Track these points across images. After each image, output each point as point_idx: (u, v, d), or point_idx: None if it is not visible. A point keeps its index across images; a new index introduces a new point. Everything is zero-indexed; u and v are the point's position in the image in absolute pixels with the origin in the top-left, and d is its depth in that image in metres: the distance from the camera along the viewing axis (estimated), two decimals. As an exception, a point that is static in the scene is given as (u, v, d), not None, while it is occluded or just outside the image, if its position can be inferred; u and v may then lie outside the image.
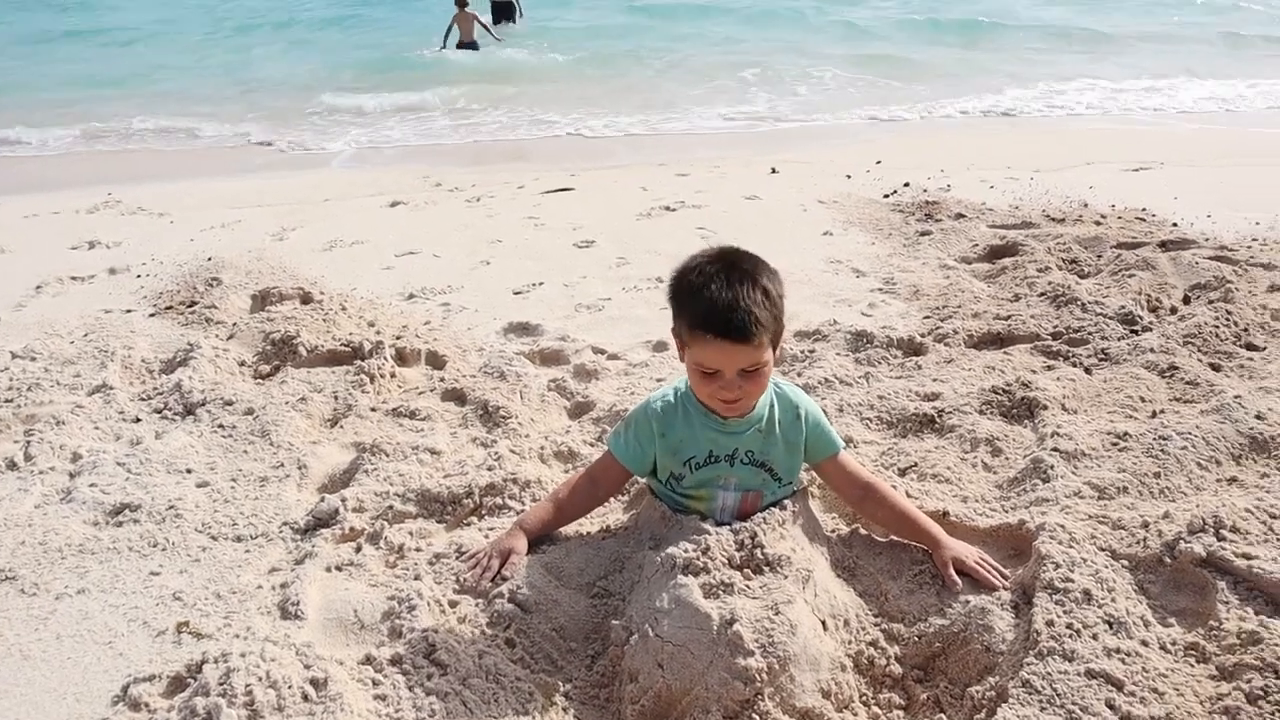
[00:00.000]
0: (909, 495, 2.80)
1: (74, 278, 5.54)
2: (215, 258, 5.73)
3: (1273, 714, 1.89)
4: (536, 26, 21.04)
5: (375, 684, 2.13)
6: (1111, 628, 2.18)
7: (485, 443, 3.35)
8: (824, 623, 2.25)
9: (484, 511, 2.91)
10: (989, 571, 2.45)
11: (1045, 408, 3.38)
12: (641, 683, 2.11)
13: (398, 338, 4.29)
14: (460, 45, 18.23)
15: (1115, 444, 3.05)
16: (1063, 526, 2.51)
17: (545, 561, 2.54)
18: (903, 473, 3.06)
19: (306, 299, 4.86)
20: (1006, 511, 2.77)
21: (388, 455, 3.23)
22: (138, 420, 3.62)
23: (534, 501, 2.88)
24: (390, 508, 2.89)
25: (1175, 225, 6.13)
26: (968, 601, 2.37)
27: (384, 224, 6.77)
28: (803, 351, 4.08)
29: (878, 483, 2.64)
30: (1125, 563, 2.42)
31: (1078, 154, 8.93)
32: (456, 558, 2.60)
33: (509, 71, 15.75)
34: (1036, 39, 19.10)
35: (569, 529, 2.74)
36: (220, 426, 3.52)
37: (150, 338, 4.44)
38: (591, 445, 3.32)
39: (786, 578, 2.26)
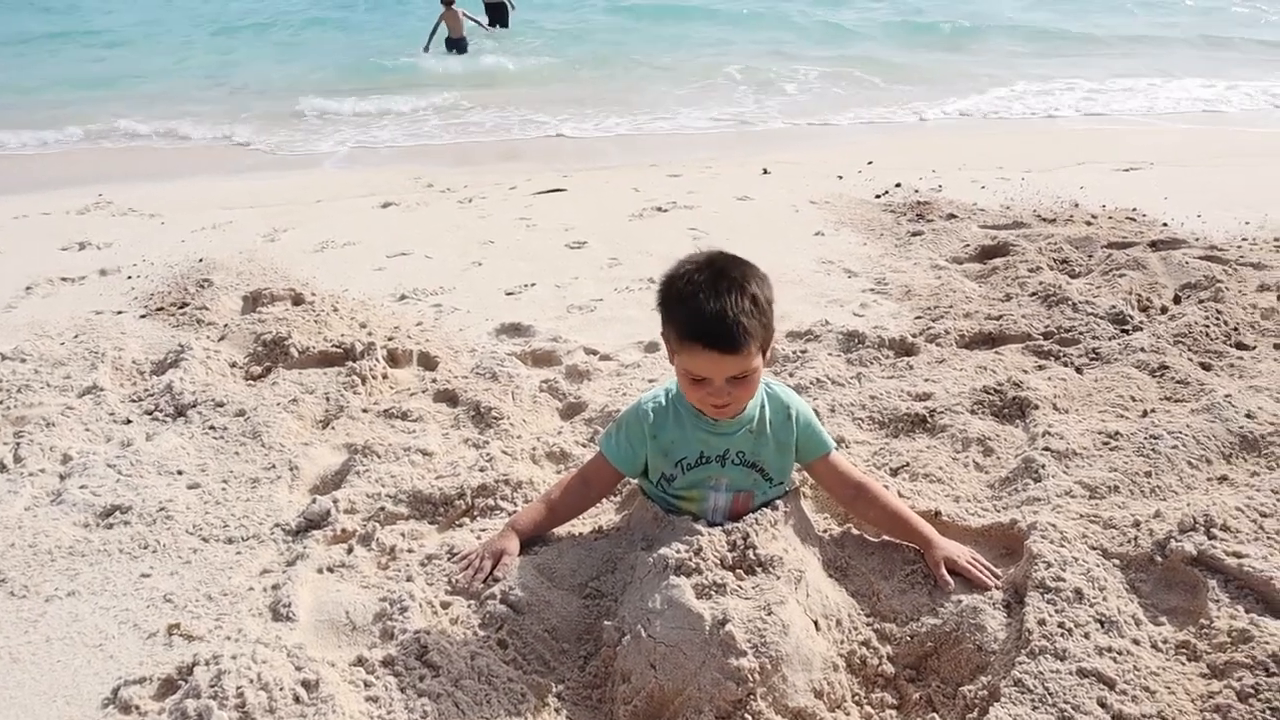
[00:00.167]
0: (901, 495, 2.80)
1: (64, 279, 5.52)
2: (206, 259, 5.72)
3: (1263, 711, 1.90)
4: (520, 25, 21.02)
5: (367, 685, 2.13)
6: (1103, 626, 2.18)
7: (477, 444, 3.34)
8: (816, 623, 2.25)
9: (476, 513, 2.91)
10: (981, 571, 2.46)
11: (1036, 407, 3.39)
12: (634, 683, 2.11)
13: (389, 339, 4.28)
14: (449, 42, 18.20)
15: (1106, 443, 3.06)
16: (1054, 526, 2.52)
17: (537, 562, 2.54)
18: (895, 473, 3.07)
19: (298, 300, 4.84)
20: (998, 511, 2.77)
21: (379, 456, 3.22)
22: (128, 422, 3.61)
23: (526, 503, 2.88)
24: (382, 509, 2.89)
25: (1165, 225, 6.14)
26: (960, 601, 2.37)
27: (376, 225, 6.75)
28: (795, 352, 4.08)
29: (869, 482, 2.64)
30: (1116, 561, 2.42)
31: (1068, 154, 8.95)
32: (448, 559, 2.59)
33: (496, 75, 15.73)
34: (1021, 41, 19.14)
35: (561, 530, 2.73)
36: (211, 428, 3.51)
37: (141, 339, 4.43)
38: (584, 446, 3.31)
39: (779, 578, 2.26)
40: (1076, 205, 6.78)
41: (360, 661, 2.20)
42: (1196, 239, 5.72)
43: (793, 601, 2.21)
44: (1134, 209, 6.59)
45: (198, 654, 2.22)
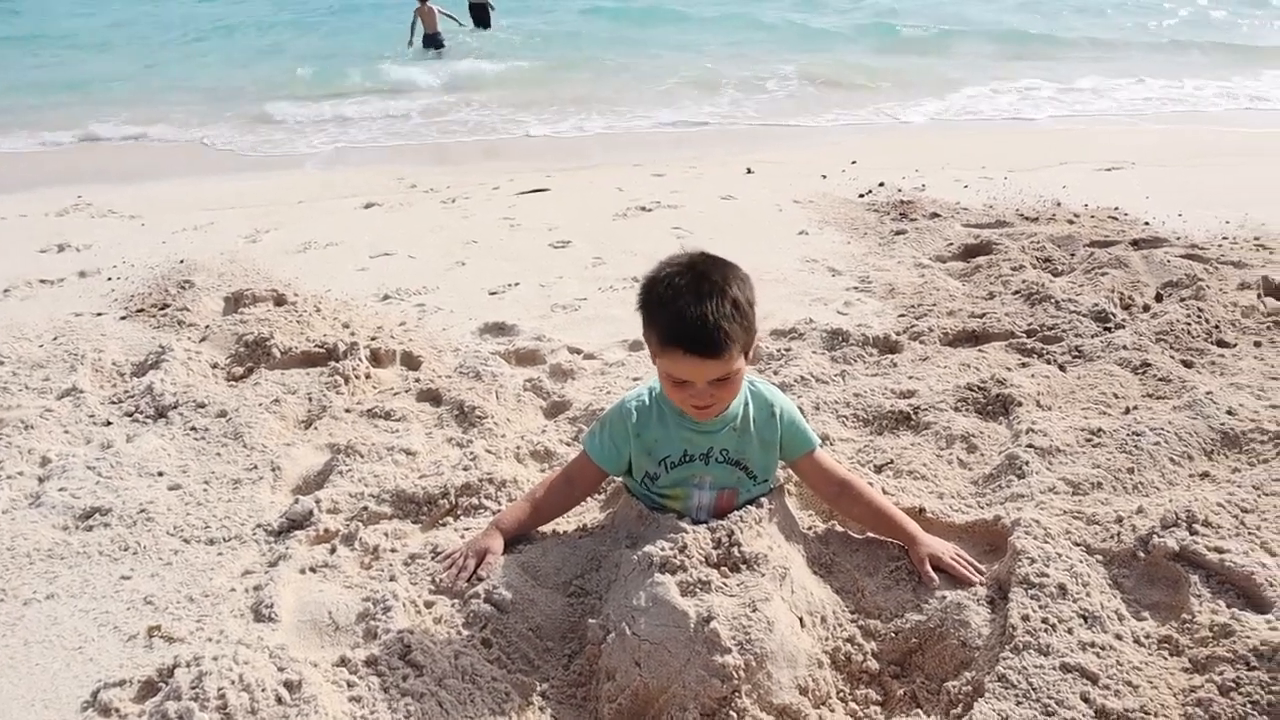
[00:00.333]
0: (885, 492, 2.80)
1: (43, 281, 5.47)
2: (187, 260, 5.68)
3: (1245, 705, 1.91)
4: (501, 25, 21.02)
5: (350, 686, 2.11)
6: (1086, 622, 2.19)
7: (461, 443, 3.33)
8: (801, 620, 2.25)
9: (460, 512, 2.90)
10: (965, 567, 2.46)
11: (1020, 404, 3.40)
12: (619, 681, 2.10)
13: (372, 339, 4.26)
14: (427, 39, 18.18)
15: (1089, 440, 3.07)
16: (1038, 522, 2.52)
17: (521, 561, 2.53)
18: (879, 469, 3.07)
19: (280, 301, 4.82)
20: (982, 507, 2.78)
21: (362, 456, 3.20)
22: (108, 423, 3.58)
23: (510, 501, 2.87)
24: (365, 509, 2.87)
25: (1147, 224, 6.18)
26: (944, 597, 2.37)
27: (358, 225, 6.73)
28: (779, 350, 4.08)
29: (854, 479, 2.64)
30: (1099, 557, 2.43)
31: (1050, 154, 8.99)
32: (432, 558, 2.58)
33: (476, 76, 15.70)
34: (996, 43, 19.24)
35: (545, 528, 2.73)
36: (193, 429, 3.49)
37: (121, 340, 4.39)
38: (568, 445, 3.31)
39: (763, 575, 2.25)
40: (1059, 204, 6.81)
41: (343, 662, 2.18)
42: (1178, 238, 5.75)
43: (777, 598, 2.21)
44: (1116, 208, 6.63)
45: (179, 656, 2.20)
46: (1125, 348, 3.84)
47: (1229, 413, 3.13)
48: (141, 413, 3.63)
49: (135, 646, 2.39)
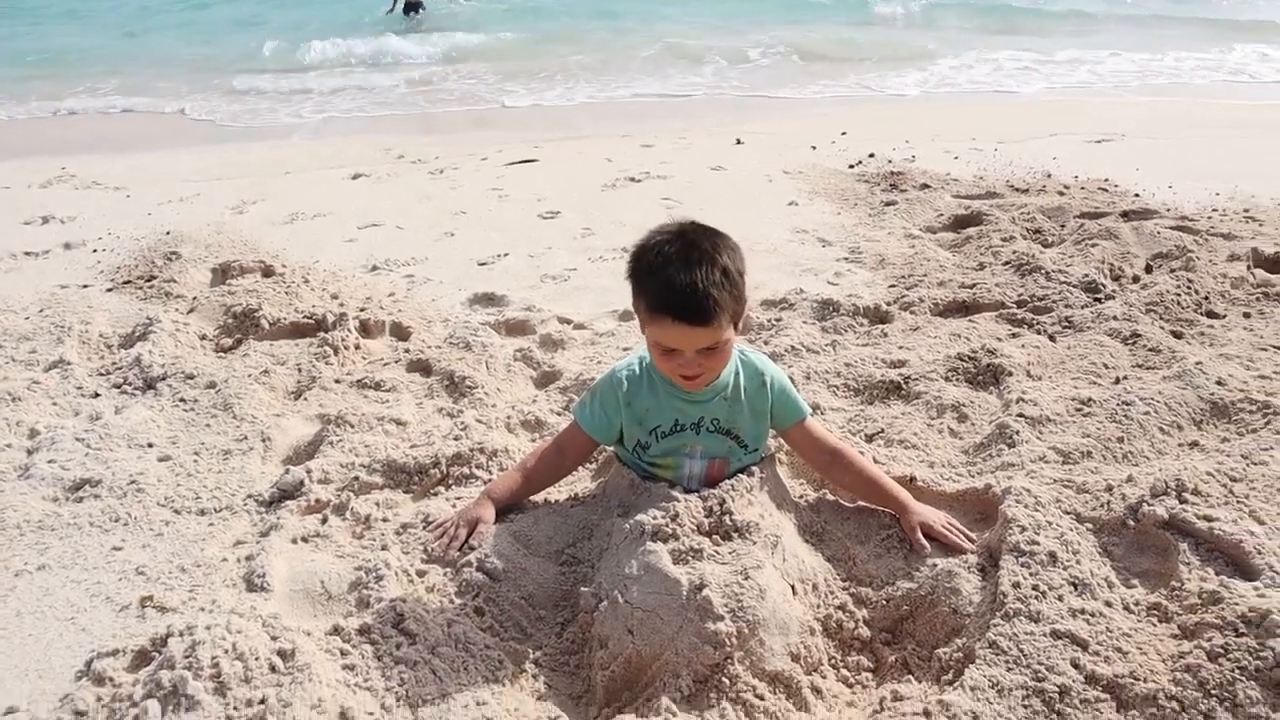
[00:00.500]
0: (876, 461, 2.81)
1: (28, 253, 5.42)
2: (174, 231, 5.63)
3: (1233, 671, 1.92)
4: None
5: (344, 654, 2.11)
6: (1076, 589, 2.20)
7: (451, 413, 3.32)
8: (793, 587, 2.26)
9: (451, 481, 2.89)
10: (956, 535, 2.47)
11: (1010, 374, 3.41)
12: (611, 649, 2.11)
13: (361, 309, 4.24)
14: (407, 5, 18.00)
15: (1079, 409, 3.08)
16: (1028, 490, 2.53)
17: (513, 530, 2.53)
18: (870, 439, 3.08)
19: (268, 272, 4.79)
20: (973, 476, 2.79)
21: (353, 426, 3.20)
22: (96, 395, 3.56)
23: (501, 471, 2.86)
24: (356, 479, 2.86)
25: (1137, 196, 6.19)
26: (935, 565, 2.38)
27: (346, 196, 6.68)
28: (769, 320, 4.08)
29: (845, 448, 2.65)
30: (1089, 526, 2.44)
31: (1041, 126, 8.98)
32: (424, 528, 2.58)
33: (460, 47, 15.57)
34: (981, 17, 19.18)
35: (537, 497, 2.72)
36: (182, 400, 3.47)
37: (108, 312, 4.36)
38: (558, 414, 3.30)
39: (755, 543, 2.26)
40: (1049, 176, 6.81)
41: (336, 630, 2.18)
42: (1168, 209, 5.76)
43: (769, 566, 2.22)
44: (1106, 180, 6.63)
45: (172, 625, 2.19)
46: (1115, 318, 3.84)
47: (1218, 383, 3.14)
48: (130, 384, 3.61)
49: (128, 616, 2.38)
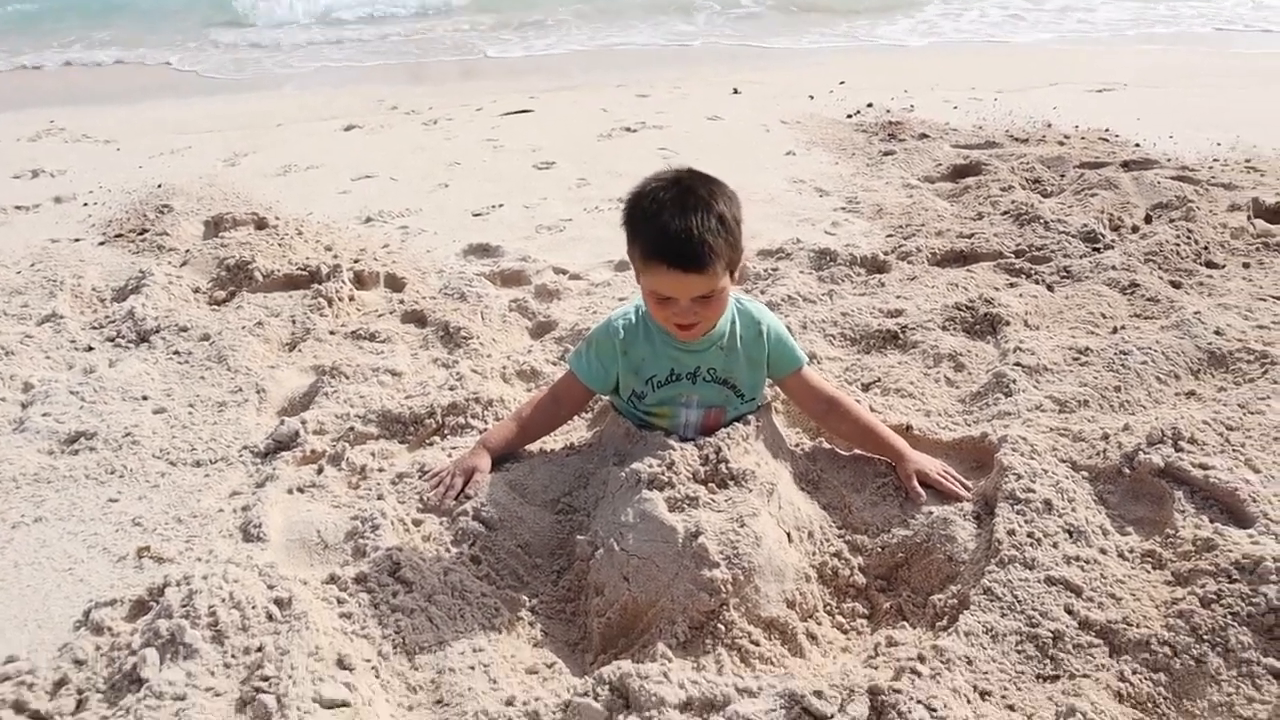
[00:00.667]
0: (873, 410, 2.80)
1: (18, 207, 5.39)
2: (165, 184, 5.59)
3: (1225, 616, 1.93)
4: None
5: (340, 602, 2.12)
6: (1071, 536, 2.21)
7: (446, 363, 3.31)
8: (788, 535, 2.26)
9: (446, 431, 2.89)
10: (952, 483, 2.47)
11: (1008, 324, 3.40)
12: (607, 596, 2.11)
13: (356, 261, 4.22)
14: None
15: (1076, 359, 3.07)
16: (1024, 439, 2.53)
17: (509, 479, 2.53)
18: (866, 388, 3.07)
19: (261, 224, 4.76)
20: (969, 425, 2.79)
21: (348, 377, 3.19)
22: (90, 349, 3.55)
23: (497, 420, 2.86)
24: (351, 429, 2.86)
25: (1138, 145, 6.13)
26: (930, 512, 2.39)
27: (339, 148, 6.63)
28: (766, 269, 4.06)
29: (842, 397, 2.64)
30: (1085, 474, 2.44)
31: (1041, 75, 8.87)
32: (419, 477, 2.58)
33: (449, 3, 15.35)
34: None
35: (532, 446, 2.72)
36: (176, 353, 3.46)
37: (100, 266, 4.33)
38: (554, 364, 3.29)
39: (751, 491, 2.26)
40: (1049, 125, 6.75)
41: (333, 579, 2.19)
42: (1168, 159, 5.71)
43: (765, 514, 2.22)
44: (1106, 129, 6.57)
45: (169, 575, 2.19)
46: (1114, 268, 3.82)
47: (1216, 333, 3.13)
48: (123, 337, 3.60)
49: (125, 567, 2.39)
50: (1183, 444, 2.42)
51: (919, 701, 1.74)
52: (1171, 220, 4.40)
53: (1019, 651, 1.94)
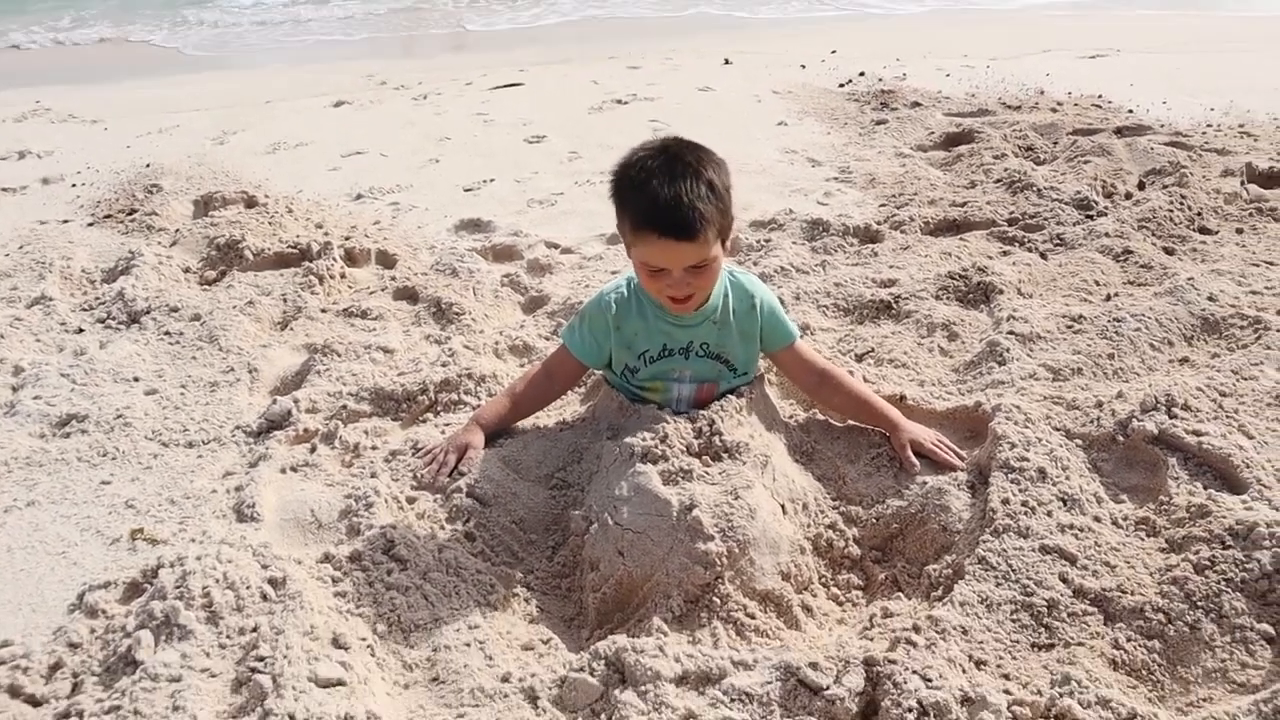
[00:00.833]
0: (866, 380, 2.80)
1: (5, 189, 5.34)
2: (154, 164, 5.54)
3: (1218, 582, 1.93)
4: None
5: (335, 581, 2.12)
6: (1065, 505, 2.21)
7: (439, 339, 3.30)
8: (783, 507, 2.26)
9: (439, 408, 2.88)
10: (946, 452, 2.47)
11: (1001, 292, 3.39)
12: (603, 571, 2.11)
13: (346, 238, 4.19)
14: None
15: (1070, 326, 3.07)
16: (1018, 407, 2.53)
17: (503, 455, 2.52)
18: (860, 358, 3.07)
19: (251, 203, 4.72)
20: (963, 394, 2.78)
21: (340, 355, 3.17)
22: (80, 331, 3.53)
23: (489, 396, 2.85)
24: (344, 407, 2.85)
25: (1131, 112, 6.11)
26: (925, 483, 2.38)
27: (328, 124, 6.58)
28: (759, 241, 4.04)
29: (834, 369, 2.63)
30: (1079, 442, 2.44)
31: (1034, 42, 8.84)
32: (413, 454, 2.57)
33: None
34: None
35: (526, 422, 2.71)
36: (167, 334, 3.44)
37: (89, 247, 4.30)
38: (546, 339, 3.28)
39: (745, 463, 2.26)
40: (1042, 92, 6.72)
41: (327, 558, 2.19)
42: (1162, 125, 5.70)
43: (759, 486, 2.22)
44: (1099, 96, 6.55)
45: (162, 557, 2.19)
46: (1107, 235, 3.81)
47: (1210, 299, 3.13)
48: (114, 319, 3.58)
49: (119, 549, 2.38)
50: (1176, 411, 2.42)
51: (914, 672, 1.75)
52: (1165, 186, 4.38)
53: (1014, 620, 1.94)
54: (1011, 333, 3.02)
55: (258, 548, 2.17)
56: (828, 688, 1.73)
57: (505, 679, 1.87)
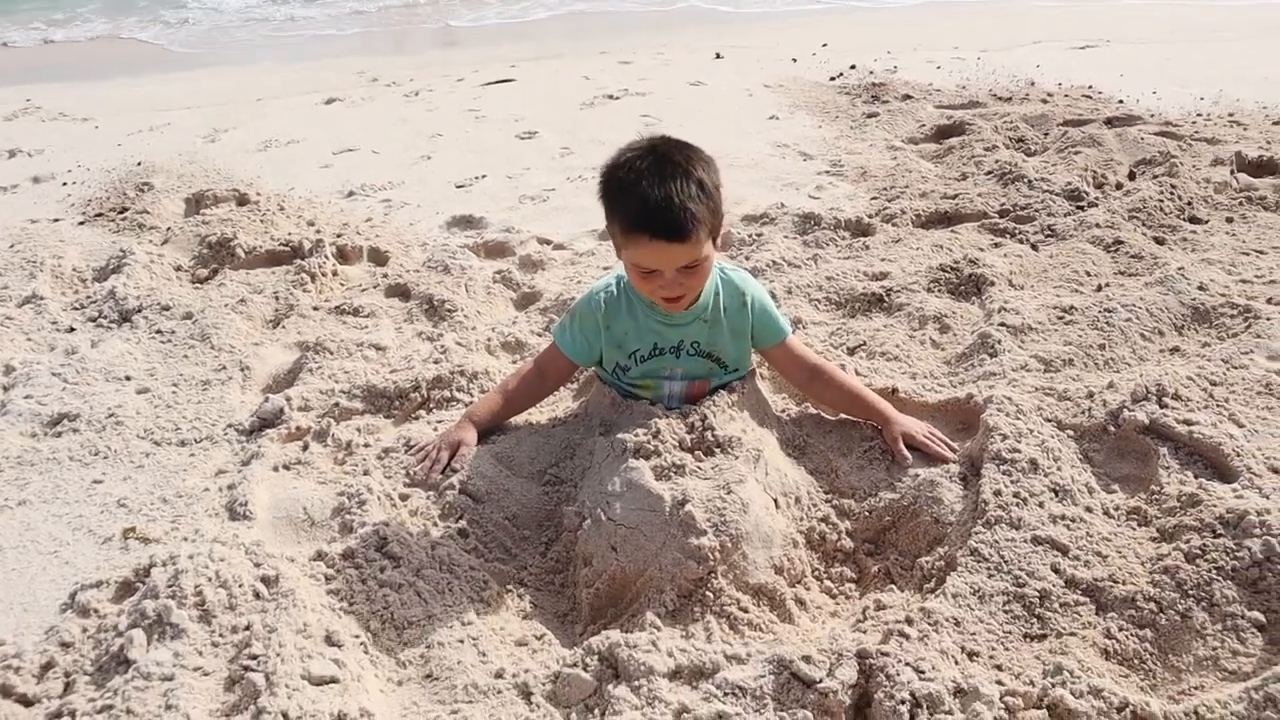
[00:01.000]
0: (858, 373, 2.80)
1: (-5, 188, 5.33)
2: (145, 162, 5.53)
3: (1210, 571, 1.94)
4: None
5: (328, 579, 2.12)
6: (1057, 495, 2.21)
7: (431, 336, 3.29)
8: (775, 501, 2.26)
9: (432, 405, 2.88)
10: (938, 445, 2.47)
11: (992, 284, 3.39)
12: (596, 566, 2.11)
13: (338, 235, 4.19)
14: None
15: (1061, 317, 3.07)
16: (1010, 399, 2.53)
17: (495, 451, 2.52)
18: (852, 351, 3.07)
19: (242, 200, 4.71)
20: (955, 386, 2.78)
21: (332, 353, 3.17)
22: (72, 330, 3.52)
23: (482, 393, 2.85)
24: (336, 405, 2.84)
25: (1121, 102, 6.12)
26: (917, 475, 2.39)
27: (320, 122, 6.57)
28: (750, 235, 4.04)
29: (825, 364, 2.63)
30: (1071, 432, 2.45)
31: (1024, 33, 8.85)
32: (405, 452, 2.57)
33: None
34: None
35: (518, 419, 2.71)
36: (158, 332, 3.43)
37: (80, 246, 4.29)
38: (539, 335, 3.28)
39: (737, 458, 2.26)
40: (1032, 84, 6.73)
41: (320, 556, 2.18)
42: (1152, 115, 5.70)
43: (751, 480, 2.22)
44: (1090, 86, 6.56)
45: (154, 555, 2.19)
46: (1098, 225, 3.82)
47: (1200, 288, 3.14)
48: (105, 318, 3.57)
49: (111, 548, 2.38)
50: (1167, 400, 2.43)
51: (907, 664, 1.75)
52: (1155, 176, 4.39)
53: (1006, 611, 1.95)
54: (1003, 324, 3.03)
55: (250, 546, 2.16)
56: (821, 680, 1.74)
57: (499, 675, 1.88)
